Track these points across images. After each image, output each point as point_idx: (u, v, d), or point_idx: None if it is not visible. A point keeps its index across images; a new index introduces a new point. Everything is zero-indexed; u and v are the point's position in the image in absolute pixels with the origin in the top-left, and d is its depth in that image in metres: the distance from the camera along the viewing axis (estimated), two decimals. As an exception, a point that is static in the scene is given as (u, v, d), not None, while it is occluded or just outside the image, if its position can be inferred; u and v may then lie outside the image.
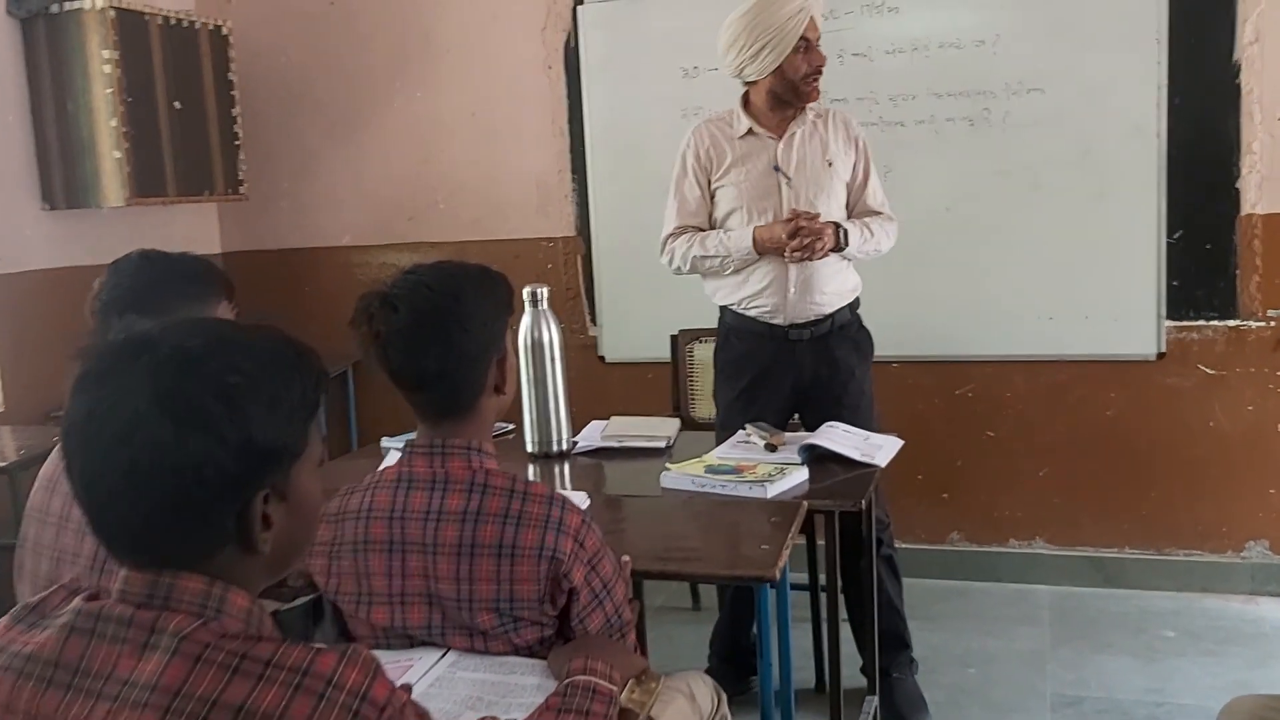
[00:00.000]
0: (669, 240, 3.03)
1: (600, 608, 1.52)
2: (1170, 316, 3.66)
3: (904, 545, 3.84)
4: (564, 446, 2.65)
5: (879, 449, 2.54)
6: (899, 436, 2.64)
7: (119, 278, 1.78)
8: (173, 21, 3.87)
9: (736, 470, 2.35)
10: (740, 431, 2.72)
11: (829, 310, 2.94)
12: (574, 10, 4.07)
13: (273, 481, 0.98)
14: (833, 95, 3.78)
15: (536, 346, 2.61)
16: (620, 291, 4.18)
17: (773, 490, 2.23)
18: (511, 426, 2.89)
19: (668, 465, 2.36)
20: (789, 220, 2.81)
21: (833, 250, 2.85)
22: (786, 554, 1.91)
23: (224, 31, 4.10)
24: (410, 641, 1.56)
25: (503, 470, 1.57)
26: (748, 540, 1.98)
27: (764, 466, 2.37)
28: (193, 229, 4.44)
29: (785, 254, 2.81)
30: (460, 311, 1.51)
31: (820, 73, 2.90)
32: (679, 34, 3.97)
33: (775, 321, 2.94)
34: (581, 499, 2.18)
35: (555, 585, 1.49)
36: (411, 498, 1.54)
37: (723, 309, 3.05)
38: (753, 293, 2.95)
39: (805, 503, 2.16)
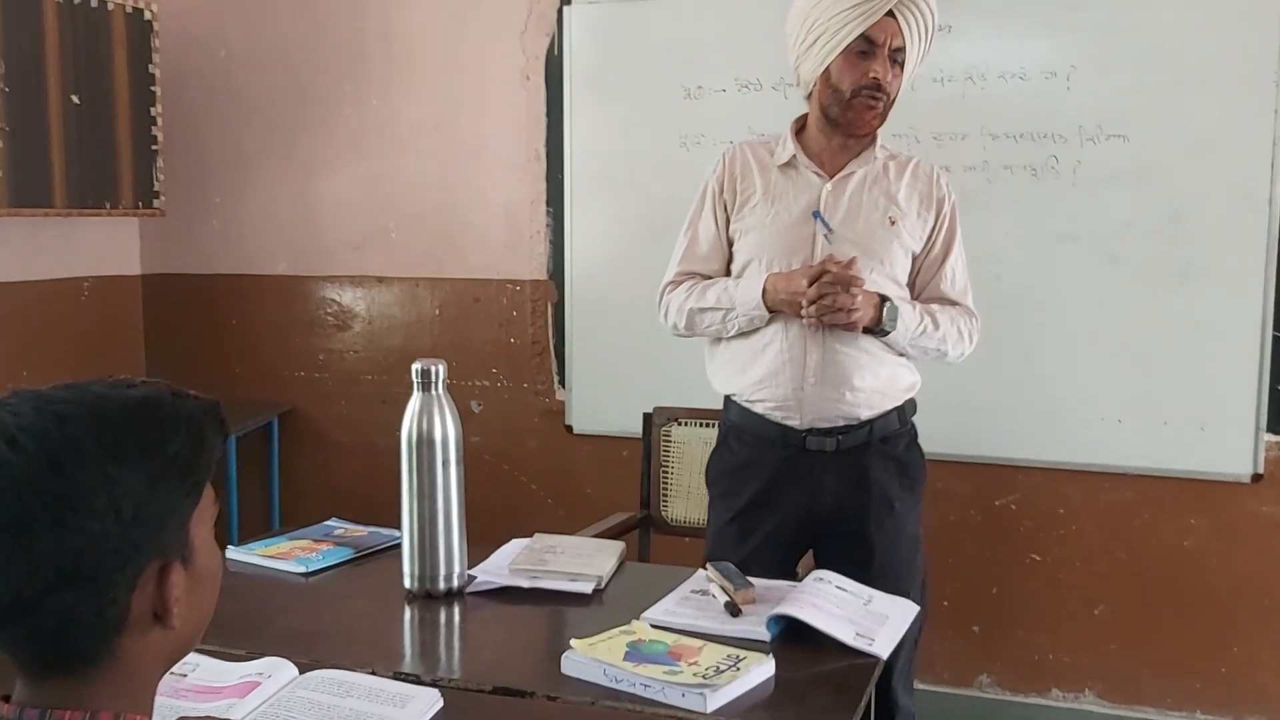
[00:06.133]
0: (667, 290, 2.34)
1: None
2: (1272, 429, 2.91)
3: (922, 686, 3.12)
4: (454, 584, 1.94)
5: (884, 622, 1.81)
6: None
7: None
8: (75, 0, 3.23)
9: (672, 656, 1.64)
10: (700, 573, 2.01)
11: (866, 414, 2.21)
12: (559, 11, 3.39)
13: None
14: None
15: (424, 444, 1.90)
16: (596, 349, 3.47)
17: (715, 701, 1.51)
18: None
19: (572, 643, 1.65)
20: (817, 266, 2.11)
21: (871, 330, 2.15)
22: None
23: (146, 16, 3.46)
24: None
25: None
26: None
27: (712, 651, 1.65)
28: (102, 247, 3.78)
29: (803, 315, 2.11)
30: (64, 489, 0.81)
31: (878, 93, 2.15)
32: (682, 46, 3.29)
33: (790, 423, 2.21)
34: (429, 700, 1.47)
35: None
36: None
37: (726, 400, 2.34)
38: (760, 377, 2.22)
39: (759, 733, 1.44)
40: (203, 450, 0.90)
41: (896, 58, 2.15)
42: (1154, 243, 2.95)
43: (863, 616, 1.81)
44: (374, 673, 1.59)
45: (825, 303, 2.08)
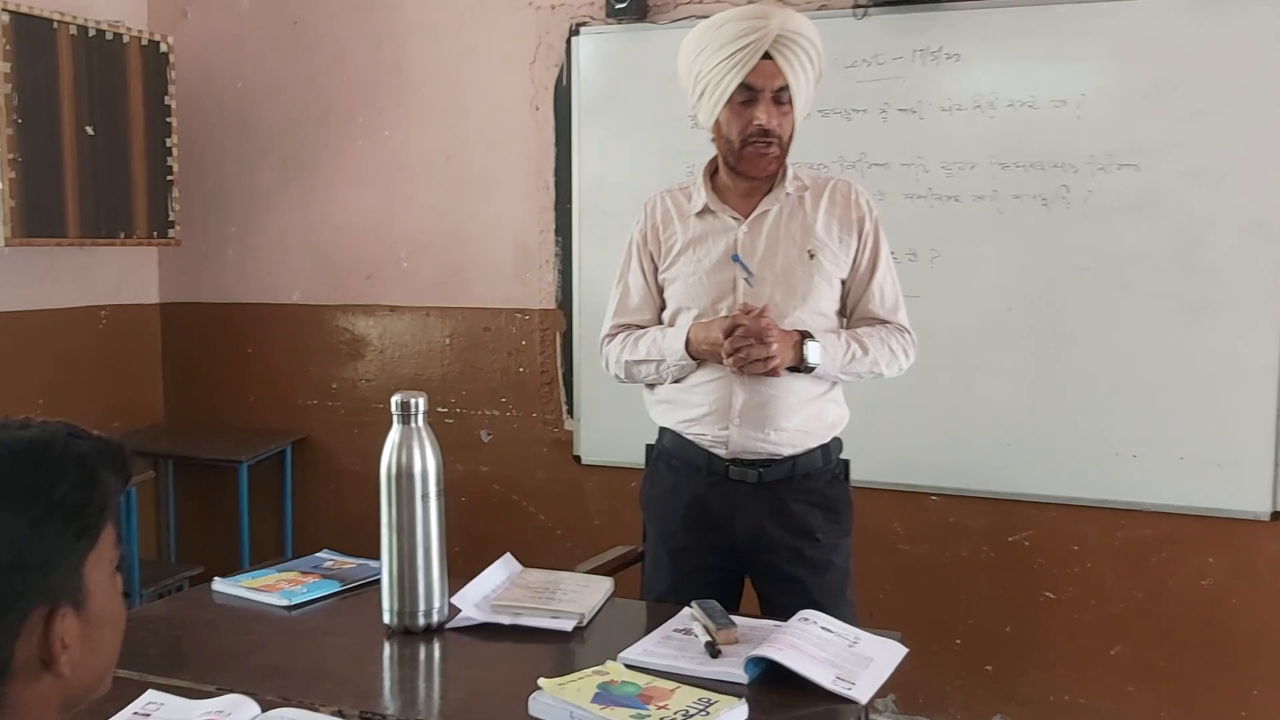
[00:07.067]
0: (605, 343, 2.35)
1: None
2: (1292, 465, 2.83)
3: (932, 726, 3.06)
4: (433, 620, 1.92)
5: (867, 664, 1.76)
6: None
7: None
8: (91, 32, 3.27)
9: (642, 699, 1.60)
10: (685, 610, 1.97)
11: (789, 451, 2.20)
12: (568, 42, 3.39)
13: None
14: (872, 159, 3.06)
15: (403, 477, 1.89)
16: (605, 379, 3.40)
17: (680, 747, 1.47)
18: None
19: (540, 683, 1.62)
20: (729, 319, 2.09)
21: (795, 368, 2.12)
22: None
23: (162, 48, 3.50)
24: None
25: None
26: None
27: (684, 694, 1.61)
28: (121, 276, 3.83)
29: (724, 364, 2.10)
30: None
31: (768, 139, 2.10)
32: (691, 75, 3.27)
33: (717, 452, 2.21)
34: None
35: None
36: None
37: (662, 430, 2.33)
38: (690, 418, 2.23)
39: (721, 783, 1.40)
40: (95, 492, 0.88)
41: (781, 97, 2.10)
42: (1168, 274, 2.88)
43: (846, 659, 1.76)
44: (340, 712, 1.56)
45: (740, 355, 2.06)
